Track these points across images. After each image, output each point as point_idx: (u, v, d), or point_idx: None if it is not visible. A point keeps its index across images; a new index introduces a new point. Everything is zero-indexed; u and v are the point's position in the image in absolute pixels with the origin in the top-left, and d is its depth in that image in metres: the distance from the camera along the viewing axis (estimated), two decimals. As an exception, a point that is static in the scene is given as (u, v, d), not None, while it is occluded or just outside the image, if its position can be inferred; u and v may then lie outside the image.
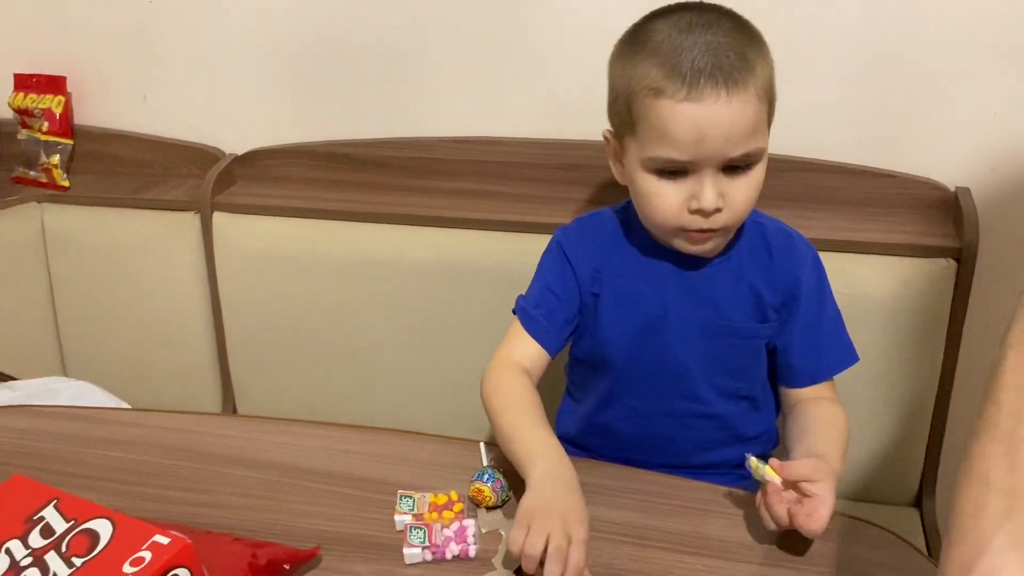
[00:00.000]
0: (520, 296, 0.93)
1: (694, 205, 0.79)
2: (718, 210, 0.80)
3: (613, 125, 0.86)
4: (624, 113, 0.82)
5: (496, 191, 1.24)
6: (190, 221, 1.34)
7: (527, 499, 0.73)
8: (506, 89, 1.25)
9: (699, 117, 0.76)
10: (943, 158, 1.13)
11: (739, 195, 0.80)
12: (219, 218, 1.32)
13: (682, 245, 0.84)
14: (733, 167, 0.79)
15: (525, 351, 0.90)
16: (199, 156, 1.39)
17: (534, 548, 0.68)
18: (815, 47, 1.12)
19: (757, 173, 0.81)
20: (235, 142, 1.38)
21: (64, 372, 1.48)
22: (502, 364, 0.89)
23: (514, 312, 0.93)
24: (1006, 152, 1.11)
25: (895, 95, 1.13)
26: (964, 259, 1.05)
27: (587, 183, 1.20)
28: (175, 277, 1.37)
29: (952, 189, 1.12)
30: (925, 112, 1.12)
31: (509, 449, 0.81)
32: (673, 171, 0.80)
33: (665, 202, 0.81)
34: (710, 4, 0.82)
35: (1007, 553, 0.50)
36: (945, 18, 1.08)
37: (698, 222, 0.81)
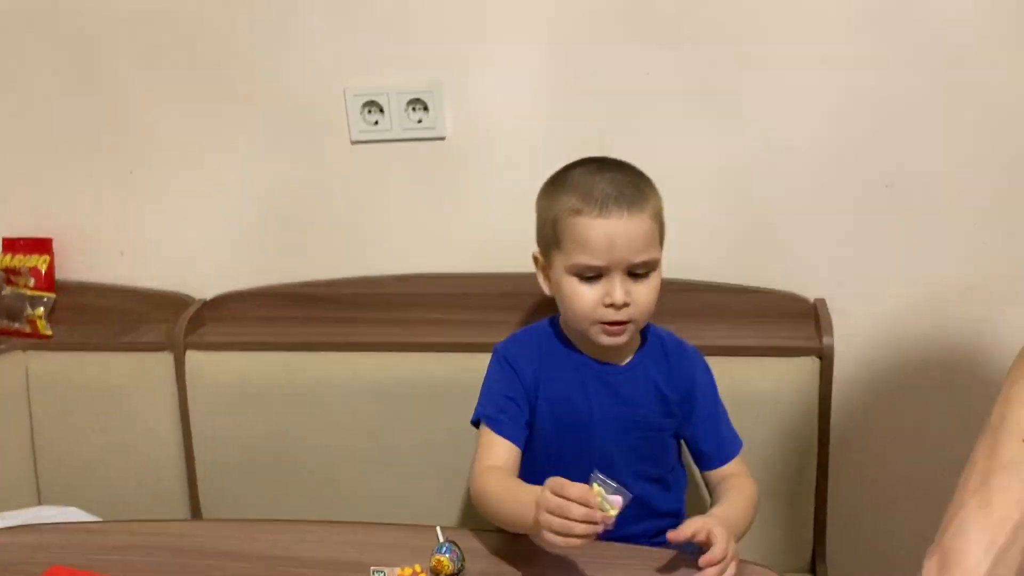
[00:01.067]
0: (478, 408, 1.10)
1: (607, 300, 1.02)
2: (626, 304, 1.02)
3: (541, 246, 1.10)
4: (551, 234, 1.06)
5: (440, 319, 1.44)
6: (164, 360, 1.50)
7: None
8: (446, 230, 1.47)
9: (609, 230, 1.01)
10: (804, 276, 1.38)
11: (642, 295, 1.03)
12: (191, 356, 1.49)
13: (600, 338, 1.05)
14: (636, 273, 1.03)
15: (498, 454, 1.06)
16: (172, 302, 1.56)
17: None
18: (698, 191, 1.38)
19: (654, 280, 1.05)
20: (204, 288, 1.56)
21: (39, 504, 1.58)
22: (481, 472, 1.05)
23: (474, 424, 1.10)
24: (851, 269, 1.38)
25: (765, 227, 1.39)
26: (824, 356, 1.29)
27: (520, 308, 1.41)
28: (150, 411, 1.52)
29: (811, 300, 1.37)
30: (789, 239, 1.39)
31: (513, 511, 0.96)
32: (590, 276, 1.03)
33: (585, 300, 1.03)
34: (611, 158, 1.09)
35: (976, 512, 0.69)
36: (796, 161, 1.36)
37: (611, 315, 1.03)
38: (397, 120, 1.43)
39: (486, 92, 1.41)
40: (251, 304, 1.54)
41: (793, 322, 1.36)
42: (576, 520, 0.86)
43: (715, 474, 1.12)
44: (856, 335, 1.38)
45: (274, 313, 1.53)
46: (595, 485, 0.89)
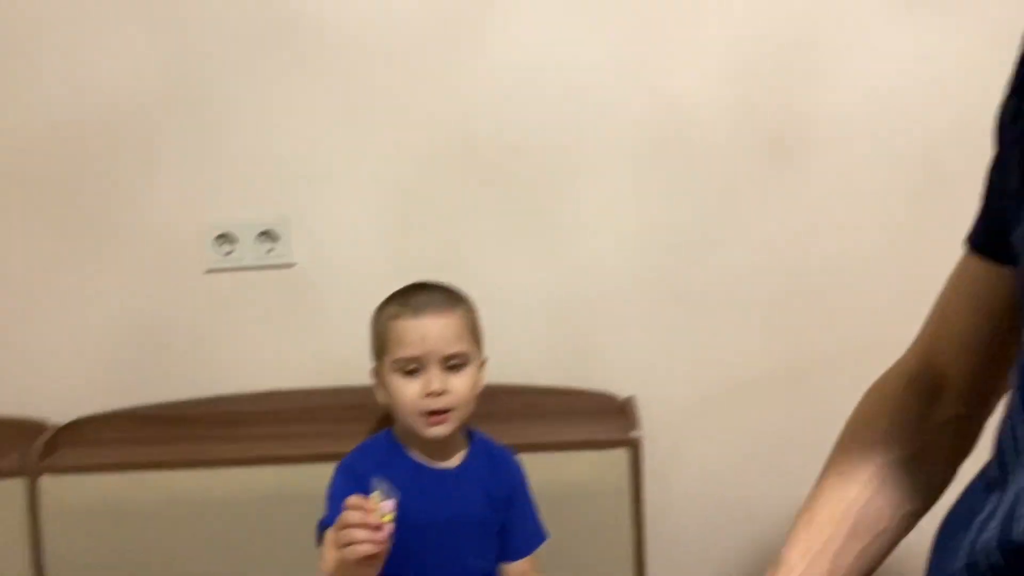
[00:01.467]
0: (323, 519, 1.21)
1: (427, 390, 1.18)
2: (445, 392, 1.18)
3: (375, 359, 1.25)
4: (379, 342, 1.24)
5: (290, 433, 1.55)
6: (15, 487, 1.53)
7: None
8: (295, 349, 1.60)
9: (423, 326, 1.19)
10: (615, 376, 1.59)
11: (458, 385, 1.20)
12: (46, 481, 1.52)
13: (427, 430, 1.20)
14: (452, 365, 1.20)
15: None
16: (26, 428, 1.59)
17: None
18: (522, 305, 1.57)
19: (470, 372, 1.22)
20: (59, 412, 1.61)
21: None
22: None
23: (319, 534, 1.20)
24: (656, 369, 1.60)
25: (581, 335, 1.59)
26: (634, 448, 1.49)
27: (365, 419, 1.53)
28: (2, 539, 1.54)
29: (622, 398, 1.58)
30: (601, 344, 1.60)
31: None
32: (411, 369, 1.19)
33: (408, 392, 1.19)
34: (432, 281, 1.27)
35: (802, 526, 0.70)
36: (606, 277, 1.58)
37: (431, 404, 1.18)
38: (249, 250, 1.57)
39: (332, 223, 1.57)
40: (107, 427, 1.60)
41: (607, 417, 1.55)
42: (355, 525, 1.03)
43: (513, 567, 1.28)
44: (662, 427, 1.59)
45: (130, 435, 1.59)
46: (376, 494, 1.05)
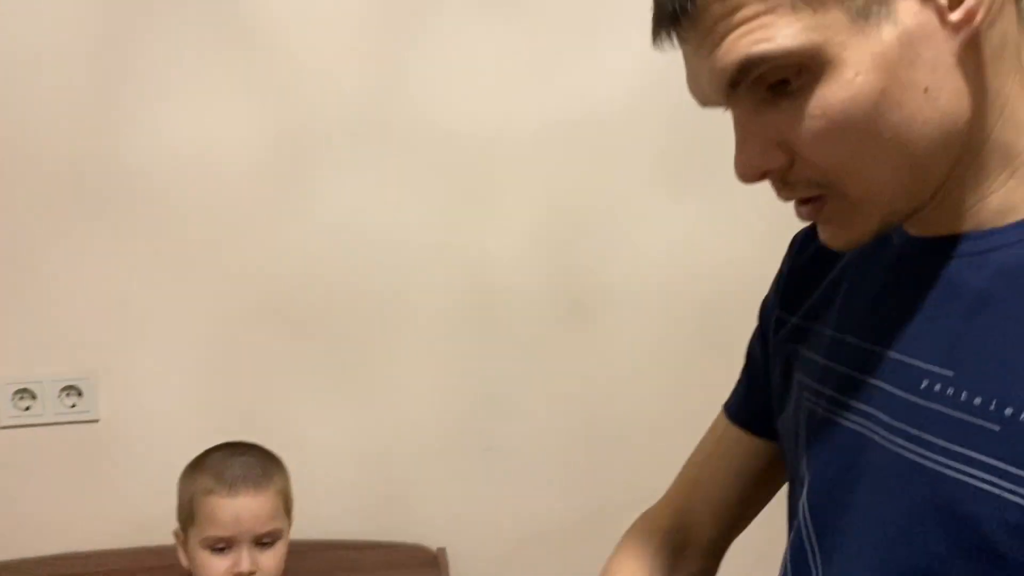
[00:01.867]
0: None
1: (235, 569, 1.18)
2: (252, 572, 1.18)
3: (180, 522, 1.24)
4: (187, 511, 1.22)
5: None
6: None
7: None
8: (95, 508, 1.54)
9: (237, 507, 1.19)
10: (428, 528, 1.64)
11: (268, 561, 1.21)
12: None
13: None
14: (263, 543, 1.20)
15: None
16: None
17: None
18: (336, 459, 1.60)
19: (280, 548, 1.23)
20: None
21: None
22: None
23: None
24: (466, 520, 1.66)
25: (394, 488, 1.63)
26: (445, 598, 1.53)
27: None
28: None
29: (434, 549, 1.62)
30: (414, 498, 1.64)
31: None
32: (221, 547, 1.19)
33: (216, 569, 1.19)
34: (245, 442, 1.28)
35: None
36: (417, 433, 1.64)
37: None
38: (50, 405, 1.52)
39: (140, 378, 1.55)
40: None
41: (419, 570, 1.58)
42: None
43: None
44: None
45: None
46: None
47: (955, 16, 0.54)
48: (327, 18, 1.57)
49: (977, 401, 0.55)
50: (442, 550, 1.61)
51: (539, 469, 1.68)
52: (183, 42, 1.52)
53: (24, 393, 1.51)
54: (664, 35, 0.59)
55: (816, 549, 0.67)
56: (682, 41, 0.59)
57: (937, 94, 0.55)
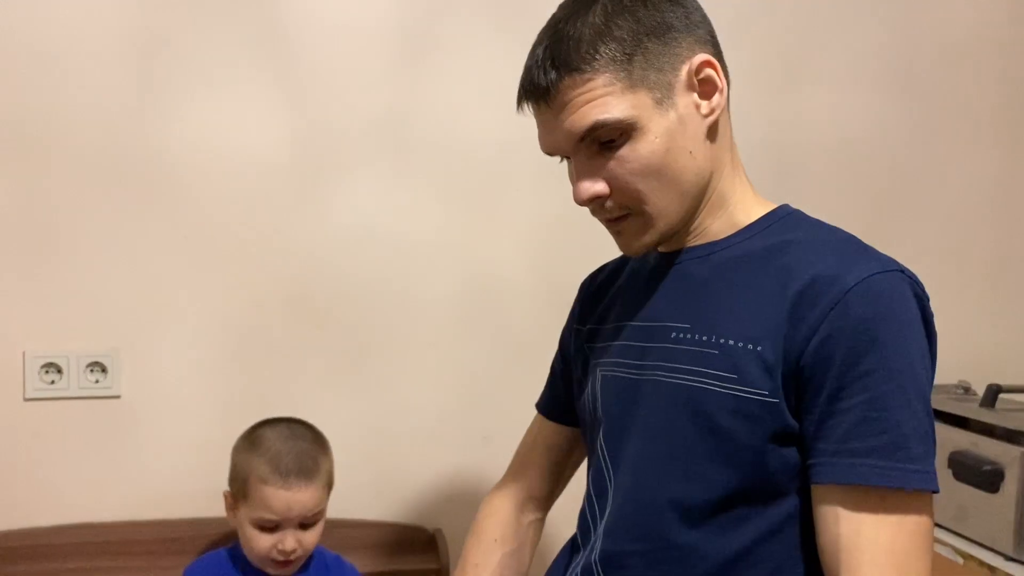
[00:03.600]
0: None
1: (280, 547, 1.31)
2: (294, 551, 1.32)
3: (232, 490, 1.35)
4: (241, 488, 1.34)
5: (109, 566, 1.55)
6: None
7: None
8: (117, 481, 1.62)
9: (290, 499, 1.30)
10: (425, 509, 1.74)
11: (308, 539, 1.35)
12: None
13: (272, 570, 1.35)
14: (306, 524, 1.33)
15: None
16: None
17: None
18: (343, 440, 1.69)
19: (319, 526, 1.36)
20: None
21: None
22: None
23: None
24: (461, 507, 1.76)
25: (396, 470, 1.74)
26: (443, 574, 1.63)
27: (189, 552, 1.57)
28: None
29: (432, 530, 1.72)
30: (411, 485, 1.74)
31: None
32: (269, 527, 1.31)
33: (263, 544, 1.33)
34: (298, 423, 1.40)
35: None
36: (417, 418, 1.74)
37: (282, 555, 1.32)
38: (75, 380, 1.60)
39: (162, 357, 1.64)
40: None
41: (421, 547, 1.69)
42: None
43: None
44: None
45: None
46: None
47: (704, 110, 0.93)
48: (352, 31, 1.68)
49: (704, 339, 0.91)
50: (439, 531, 1.71)
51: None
52: (218, 45, 1.62)
53: (51, 367, 1.59)
54: (529, 104, 0.93)
55: (609, 465, 0.99)
56: (541, 111, 0.92)
57: (696, 155, 0.93)
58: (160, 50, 1.60)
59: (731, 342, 0.88)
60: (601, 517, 0.99)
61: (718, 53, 0.95)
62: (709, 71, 0.92)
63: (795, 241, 0.92)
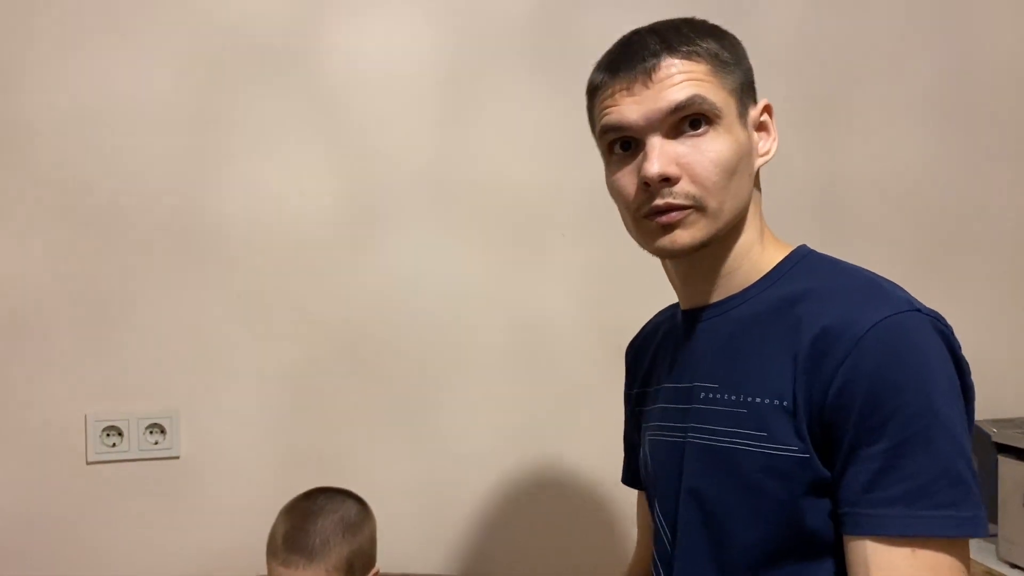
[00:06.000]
0: None
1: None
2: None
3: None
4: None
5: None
6: None
7: None
8: (178, 541, 1.63)
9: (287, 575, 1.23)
10: (479, 561, 1.72)
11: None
12: None
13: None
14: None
15: None
16: None
17: None
18: (398, 493, 1.69)
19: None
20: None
21: None
22: None
23: None
24: (521, 557, 1.74)
25: (454, 520, 1.72)
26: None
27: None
28: None
29: (490, 584, 1.71)
30: (472, 536, 1.73)
31: None
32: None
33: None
34: (336, 496, 1.33)
35: None
36: (474, 467, 1.73)
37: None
38: (135, 442, 1.62)
39: (219, 416, 1.66)
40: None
41: None
42: None
43: None
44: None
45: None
46: None
47: (761, 150, 0.98)
48: (394, 84, 1.72)
49: (733, 398, 0.92)
50: (501, 586, 1.70)
51: (585, 508, 1.77)
52: (271, 105, 1.67)
53: (112, 430, 1.62)
54: (618, 80, 0.92)
55: (666, 530, 1.01)
56: (634, 88, 0.91)
57: (748, 185, 0.96)
58: (214, 121, 1.65)
59: (758, 399, 0.90)
60: None
61: None
62: (768, 118, 0.99)
63: (809, 290, 0.92)
